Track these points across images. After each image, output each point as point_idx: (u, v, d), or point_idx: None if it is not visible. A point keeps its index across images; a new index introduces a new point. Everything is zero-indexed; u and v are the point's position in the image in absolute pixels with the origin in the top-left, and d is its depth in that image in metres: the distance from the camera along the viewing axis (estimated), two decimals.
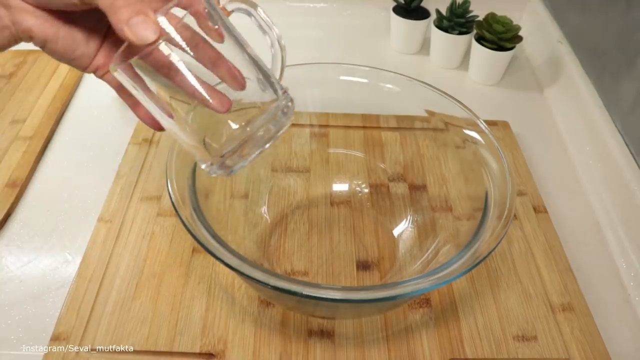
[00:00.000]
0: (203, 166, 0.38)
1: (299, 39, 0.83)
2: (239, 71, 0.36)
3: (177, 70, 0.34)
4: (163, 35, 0.32)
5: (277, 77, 0.40)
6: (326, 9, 0.89)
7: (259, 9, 0.38)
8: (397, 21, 0.79)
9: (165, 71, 0.34)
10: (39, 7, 0.33)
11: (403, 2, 0.78)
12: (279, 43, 0.40)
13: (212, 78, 0.36)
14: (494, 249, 0.38)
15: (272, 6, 0.88)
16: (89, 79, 0.73)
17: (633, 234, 0.53)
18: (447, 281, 0.37)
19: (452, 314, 0.47)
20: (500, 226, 0.39)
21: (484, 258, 0.37)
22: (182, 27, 0.34)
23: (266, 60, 0.39)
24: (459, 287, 0.49)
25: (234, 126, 0.37)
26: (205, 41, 0.35)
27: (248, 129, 0.37)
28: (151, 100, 0.35)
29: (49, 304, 0.48)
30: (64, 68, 0.72)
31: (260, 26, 0.39)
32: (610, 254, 0.54)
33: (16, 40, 0.35)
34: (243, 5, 0.38)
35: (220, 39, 0.36)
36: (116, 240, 0.51)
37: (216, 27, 0.35)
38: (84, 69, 0.37)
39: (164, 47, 0.32)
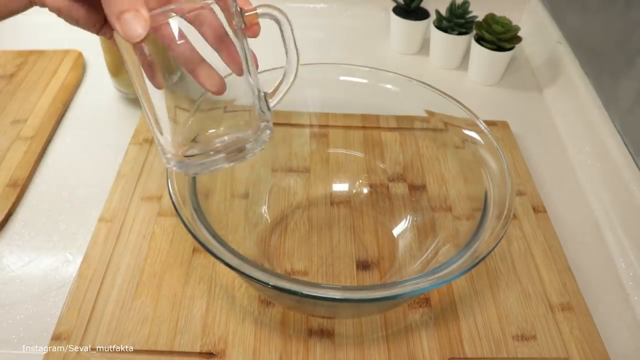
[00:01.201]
0: (162, 156, 0.37)
1: (299, 39, 0.82)
2: (239, 57, 0.37)
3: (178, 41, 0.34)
4: (150, 30, 0.31)
5: (287, 84, 0.39)
6: (326, 9, 0.90)
7: (288, 21, 0.37)
8: (397, 22, 0.79)
9: (168, 41, 0.34)
10: None
11: (403, 2, 0.78)
12: (297, 59, 0.39)
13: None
14: (494, 248, 0.38)
15: None
16: (90, 79, 0.73)
17: (632, 234, 0.53)
18: (446, 281, 0.37)
19: (451, 313, 0.47)
20: (500, 226, 0.40)
21: (484, 258, 0.38)
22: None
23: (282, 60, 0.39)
24: (459, 286, 0.49)
25: (211, 130, 0.36)
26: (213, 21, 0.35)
27: (226, 137, 0.36)
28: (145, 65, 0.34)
29: (50, 303, 0.48)
30: (65, 68, 0.72)
31: (285, 39, 0.37)
32: (609, 254, 0.55)
33: (32, 3, 0.35)
34: (275, 12, 0.36)
35: (244, 36, 0.36)
36: (117, 240, 0.51)
37: (242, 26, 0.35)
38: (97, 32, 0.37)
39: (172, 22, 0.32)
